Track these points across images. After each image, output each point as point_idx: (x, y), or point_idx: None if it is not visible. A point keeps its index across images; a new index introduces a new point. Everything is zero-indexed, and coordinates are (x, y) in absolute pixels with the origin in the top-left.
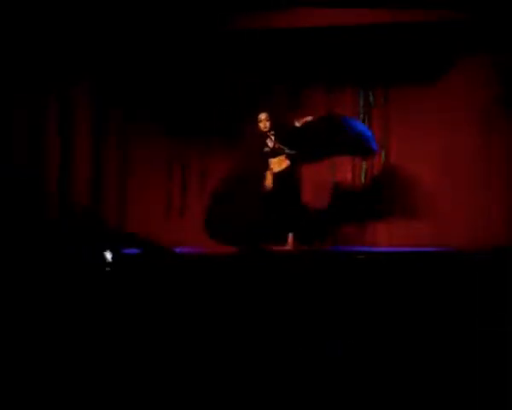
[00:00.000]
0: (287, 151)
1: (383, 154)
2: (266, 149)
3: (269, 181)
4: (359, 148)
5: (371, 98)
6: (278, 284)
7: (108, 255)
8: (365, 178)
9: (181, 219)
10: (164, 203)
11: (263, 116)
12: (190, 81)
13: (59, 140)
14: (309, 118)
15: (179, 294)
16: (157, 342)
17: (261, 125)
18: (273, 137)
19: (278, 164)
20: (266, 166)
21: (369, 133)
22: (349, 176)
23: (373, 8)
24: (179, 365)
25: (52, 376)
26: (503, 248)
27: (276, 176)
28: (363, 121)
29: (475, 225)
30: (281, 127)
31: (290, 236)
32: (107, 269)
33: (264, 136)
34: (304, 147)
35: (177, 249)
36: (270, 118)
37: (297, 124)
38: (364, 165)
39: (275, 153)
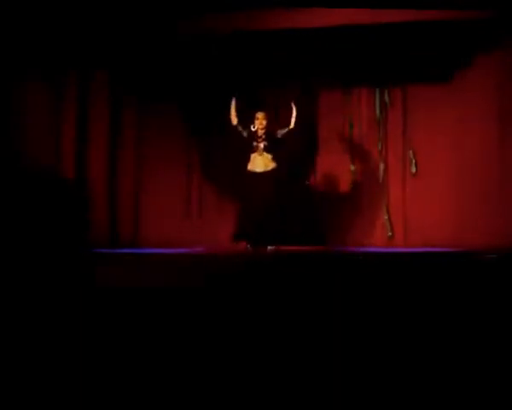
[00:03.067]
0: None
1: (411, 154)
2: (256, 145)
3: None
4: None
5: (386, 97)
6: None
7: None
8: (385, 178)
9: (196, 218)
10: (180, 201)
11: (260, 115)
12: (207, 79)
13: (75, 132)
14: None
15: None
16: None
17: (257, 122)
18: (263, 136)
19: (264, 164)
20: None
21: None
22: (366, 176)
23: (388, 8)
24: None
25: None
26: None
27: (260, 176)
28: (379, 120)
29: (489, 226)
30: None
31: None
32: None
33: (255, 134)
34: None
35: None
36: (267, 118)
37: None
38: (382, 165)
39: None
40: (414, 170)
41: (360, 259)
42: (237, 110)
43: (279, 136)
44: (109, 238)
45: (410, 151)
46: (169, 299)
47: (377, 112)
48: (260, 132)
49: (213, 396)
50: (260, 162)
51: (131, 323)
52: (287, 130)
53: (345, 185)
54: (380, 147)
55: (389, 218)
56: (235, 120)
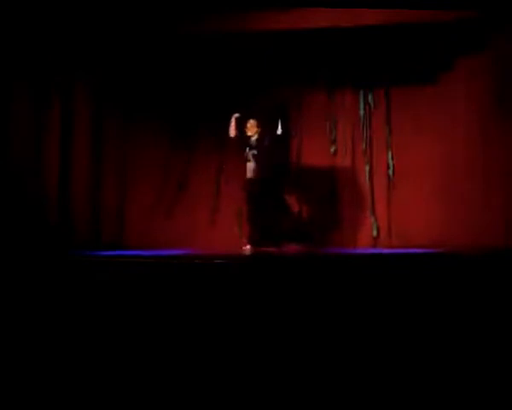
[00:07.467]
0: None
1: (390, 154)
2: (247, 154)
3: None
4: None
5: (370, 99)
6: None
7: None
8: (369, 179)
9: (180, 220)
10: (162, 203)
11: (249, 123)
12: (189, 83)
13: (58, 142)
14: None
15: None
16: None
17: (247, 130)
18: (254, 144)
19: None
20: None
21: None
22: (351, 178)
23: (372, 9)
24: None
25: None
26: (501, 250)
27: (255, 182)
28: (364, 122)
29: (473, 226)
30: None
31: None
32: None
33: (246, 140)
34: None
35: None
36: (259, 126)
37: None
38: (366, 166)
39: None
40: (391, 173)
41: (348, 260)
42: (238, 125)
43: (265, 142)
44: (93, 240)
45: (389, 154)
46: (157, 303)
47: (361, 113)
48: (251, 140)
49: (211, 396)
50: (251, 169)
51: (123, 324)
52: (273, 136)
53: (329, 186)
54: (364, 147)
55: (375, 218)
56: (233, 133)
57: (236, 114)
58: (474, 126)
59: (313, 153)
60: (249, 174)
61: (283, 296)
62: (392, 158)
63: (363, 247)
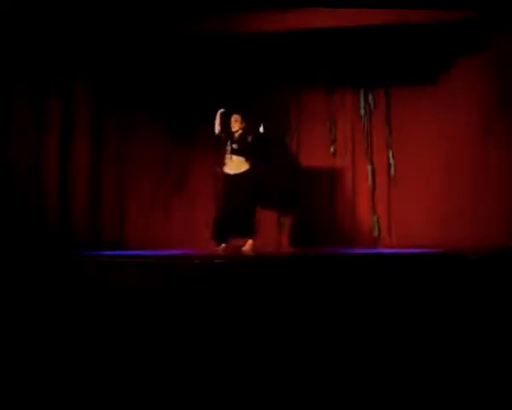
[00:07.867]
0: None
1: (390, 153)
2: (228, 147)
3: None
4: None
5: (371, 99)
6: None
7: None
8: (370, 179)
9: (180, 220)
10: (161, 203)
11: (233, 118)
12: (189, 83)
13: (58, 142)
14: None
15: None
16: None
17: (231, 124)
18: (237, 139)
19: (236, 166)
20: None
21: None
22: (351, 177)
23: (372, 9)
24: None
25: None
26: (501, 250)
27: (233, 178)
28: (364, 122)
29: (474, 225)
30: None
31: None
32: None
33: (232, 137)
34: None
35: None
36: (243, 121)
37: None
38: (368, 166)
39: (235, 152)
40: (392, 173)
41: (348, 260)
42: (223, 121)
43: (249, 140)
44: (93, 240)
45: (390, 153)
46: (157, 303)
47: (361, 113)
48: (235, 135)
49: (209, 396)
50: (231, 165)
51: (122, 324)
52: (256, 134)
53: (329, 186)
54: (364, 147)
55: (376, 218)
56: (217, 129)
57: (221, 110)
58: (474, 126)
59: (313, 152)
60: (227, 169)
61: (283, 296)
62: (393, 157)
63: (363, 247)
